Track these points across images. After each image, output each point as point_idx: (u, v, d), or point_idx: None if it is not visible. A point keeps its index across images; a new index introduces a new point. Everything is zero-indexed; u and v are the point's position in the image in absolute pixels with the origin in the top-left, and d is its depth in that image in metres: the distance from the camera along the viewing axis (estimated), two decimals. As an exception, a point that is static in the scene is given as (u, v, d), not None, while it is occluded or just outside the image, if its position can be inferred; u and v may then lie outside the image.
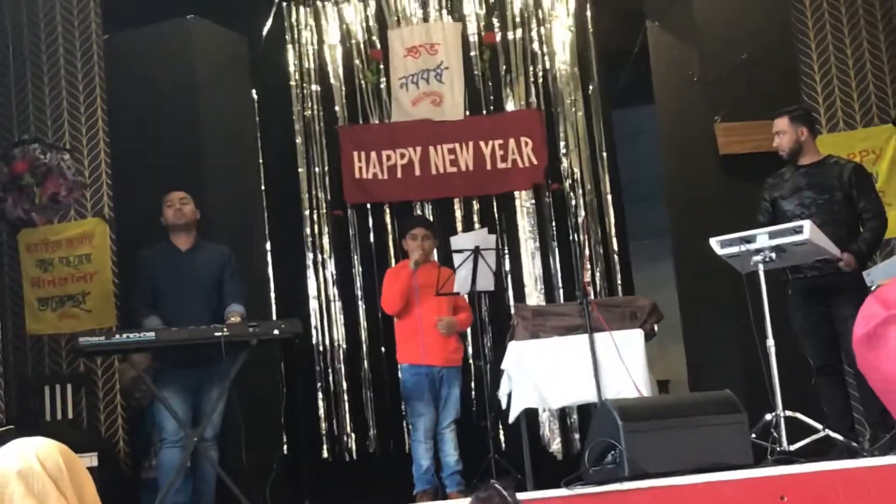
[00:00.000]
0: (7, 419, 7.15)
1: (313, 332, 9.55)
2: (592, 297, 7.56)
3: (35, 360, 8.07)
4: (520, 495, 4.57)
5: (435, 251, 8.03)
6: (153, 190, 7.74)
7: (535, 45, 9.98)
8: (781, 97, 7.97)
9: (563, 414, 9.40)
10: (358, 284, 9.70)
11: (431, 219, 9.36)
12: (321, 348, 9.61)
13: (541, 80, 9.95)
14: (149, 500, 7.37)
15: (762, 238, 6.28)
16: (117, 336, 6.57)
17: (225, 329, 6.57)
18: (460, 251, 7.45)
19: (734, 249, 6.35)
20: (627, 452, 5.18)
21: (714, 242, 6.45)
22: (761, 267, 6.25)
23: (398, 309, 7.70)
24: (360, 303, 9.68)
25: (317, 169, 9.83)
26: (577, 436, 9.41)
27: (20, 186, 8.04)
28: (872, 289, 6.31)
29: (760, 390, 6.30)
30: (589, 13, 9.94)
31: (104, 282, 8.06)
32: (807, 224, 6.19)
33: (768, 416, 6.09)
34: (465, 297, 7.72)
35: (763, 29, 8.76)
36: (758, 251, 6.26)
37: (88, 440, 7.18)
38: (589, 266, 9.36)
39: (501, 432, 8.94)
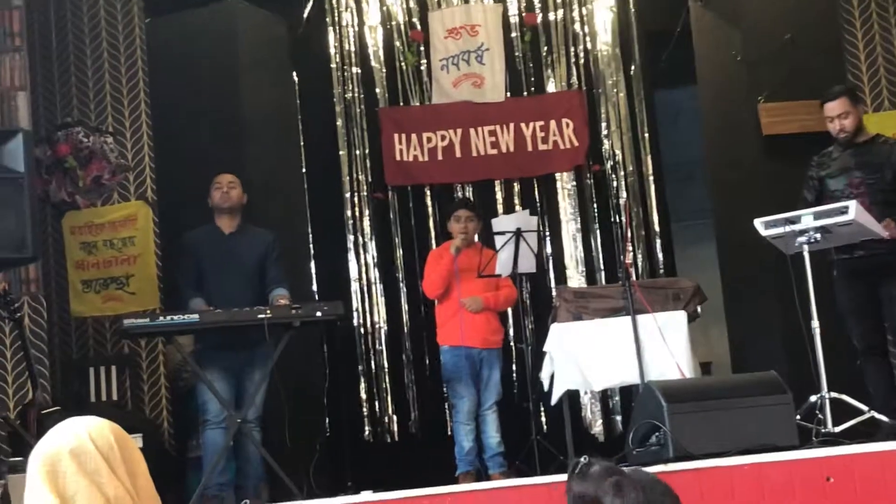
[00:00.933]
0: (52, 401, 7.20)
1: (354, 314, 9.57)
2: (635, 278, 7.53)
3: (79, 343, 8.14)
4: (562, 477, 4.57)
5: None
6: (196, 172, 7.77)
7: (577, 26, 9.93)
8: (826, 77, 7.89)
9: (604, 396, 9.38)
10: (399, 267, 9.71)
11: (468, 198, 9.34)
12: (362, 330, 9.63)
13: (582, 61, 9.91)
14: (194, 479, 7.42)
15: (807, 219, 6.23)
16: (161, 318, 6.62)
17: (268, 311, 6.59)
18: (501, 233, 7.42)
19: (779, 230, 6.30)
20: (672, 434, 5.16)
21: (758, 223, 6.40)
22: (806, 248, 6.20)
23: (439, 293, 7.68)
24: (401, 285, 9.69)
25: (357, 151, 9.83)
26: (618, 418, 9.40)
27: (64, 169, 8.10)
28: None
29: (804, 372, 6.26)
30: (631, -7, 9.89)
31: (148, 264, 8.11)
32: (852, 204, 6.13)
33: (813, 398, 6.05)
34: (508, 278, 7.68)
35: (807, 7, 8.67)
36: (802, 232, 6.21)
37: (133, 421, 7.22)
38: (631, 248, 9.33)
39: (543, 414, 8.93)
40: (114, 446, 2.07)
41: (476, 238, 7.84)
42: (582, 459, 3.69)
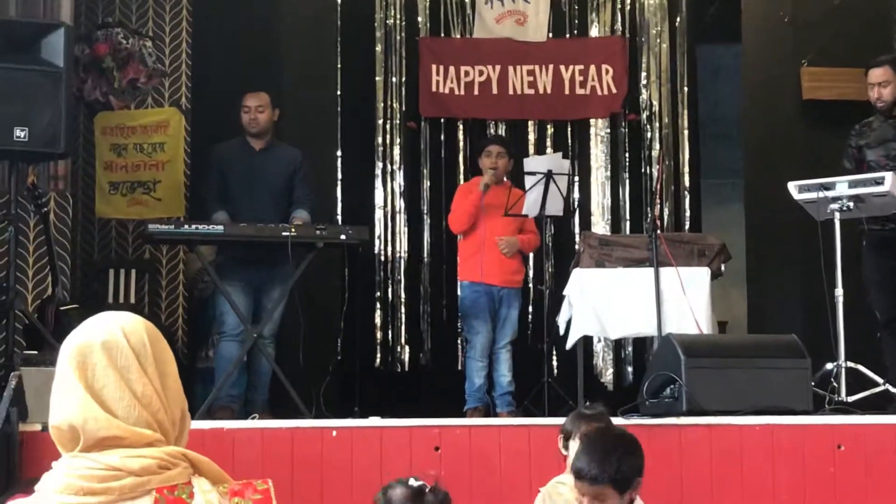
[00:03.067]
0: (71, 299, 7.23)
1: (376, 241, 9.57)
2: (661, 231, 7.49)
3: (101, 244, 8.15)
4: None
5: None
6: (231, 85, 7.73)
7: (626, -28, 9.83)
8: (872, 45, 7.80)
9: (618, 345, 9.39)
10: (425, 198, 9.70)
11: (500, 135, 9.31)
12: (382, 258, 9.63)
13: (628, 8, 9.81)
14: (203, 390, 7.46)
15: (841, 186, 6.19)
16: (186, 226, 6.62)
17: (293, 230, 6.59)
18: (532, 173, 7.39)
19: (812, 195, 6.26)
20: (687, 388, 5.16)
21: (792, 186, 6.36)
22: (837, 215, 6.17)
23: (464, 228, 7.64)
24: (425, 217, 9.67)
25: (394, 79, 9.77)
26: (630, 368, 9.42)
27: (100, 69, 8.06)
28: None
29: (820, 339, 6.25)
30: (682, -56, 9.77)
31: (176, 172, 8.10)
32: (888, 176, 6.09)
33: (829, 366, 6.03)
34: (533, 220, 7.66)
35: (859, -26, 8.57)
36: (835, 199, 6.17)
37: (149, 324, 7.24)
38: (659, 200, 9.29)
39: (556, 358, 8.94)
40: (146, 344, 2.07)
41: (505, 177, 7.80)
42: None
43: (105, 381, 2.01)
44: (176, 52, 8.18)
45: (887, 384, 6.04)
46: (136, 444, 2.01)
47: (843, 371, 5.95)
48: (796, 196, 6.33)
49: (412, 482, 3.22)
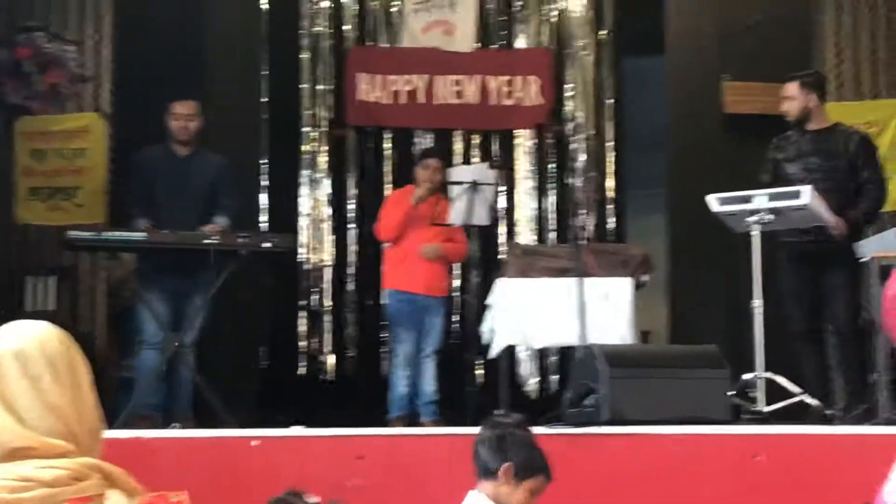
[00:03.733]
0: (-12, 306, 7.14)
1: (301, 249, 9.53)
2: (586, 241, 7.56)
3: (21, 250, 8.03)
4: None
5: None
6: (155, 91, 7.66)
7: (552, -17, 9.90)
8: (793, 61, 7.92)
9: (541, 355, 9.44)
10: (351, 206, 9.68)
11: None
12: (307, 266, 9.60)
13: (554, 20, 9.87)
14: (123, 399, 7.37)
15: (760, 199, 6.27)
16: (107, 233, 6.56)
17: (216, 237, 6.55)
18: (458, 183, 7.39)
19: (731, 208, 6.33)
20: (609, 397, 5.19)
21: (712, 199, 6.43)
22: (756, 228, 6.25)
23: (393, 237, 7.63)
24: (351, 225, 9.66)
25: (320, 87, 9.76)
26: (553, 377, 9.46)
27: (21, 73, 7.95)
28: (862, 260, 6.33)
29: (739, 350, 6.33)
30: (609, -43, 9.86)
31: (97, 178, 8.01)
32: (806, 189, 6.19)
33: (747, 376, 6.10)
34: (461, 230, 7.67)
35: (783, -10, 8.70)
36: (754, 212, 6.24)
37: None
38: (583, 211, 9.35)
39: (480, 367, 8.95)
40: (60, 354, 2.04)
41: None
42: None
43: (17, 391, 1.99)
44: (99, 56, 8.10)
45: (804, 395, 6.13)
46: (49, 455, 1.99)
47: (761, 381, 6.02)
48: (716, 208, 6.40)
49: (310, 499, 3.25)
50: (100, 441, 2.10)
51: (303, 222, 9.63)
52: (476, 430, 4.95)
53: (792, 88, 6.83)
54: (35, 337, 2.04)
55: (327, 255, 9.65)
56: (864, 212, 6.70)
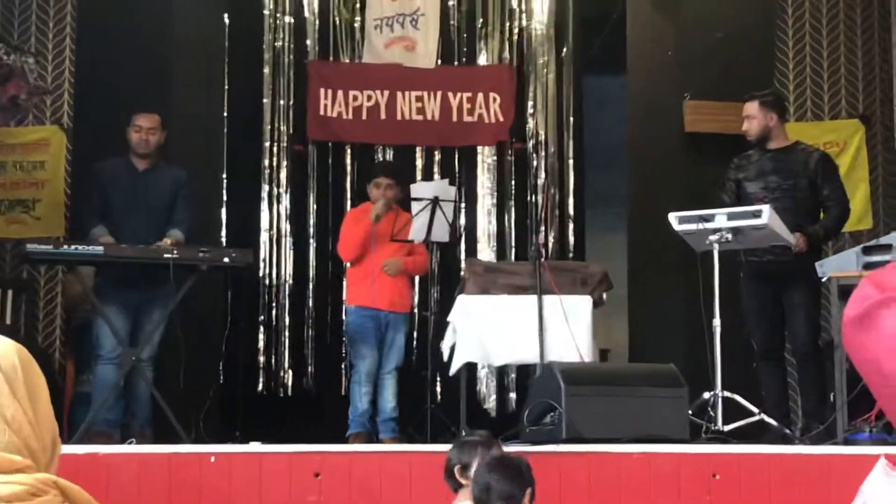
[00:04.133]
0: (-55, 318, 7.07)
1: (261, 264, 9.49)
2: (545, 259, 7.56)
3: (-23, 263, 7.97)
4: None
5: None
6: (115, 104, 7.63)
7: (514, 2, 9.91)
8: (753, 80, 7.97)
9: (501, 372, 9.42)
10: (311, 222, 9.65)
11: (391, 164, 9.31)
12: (267, 282, 9.55)
13: (515, 38, 9.90)
14: (80, 414, 7.32)
15: (720, 218, 6.31)
16: (66, 247, 6.52)
17: (175, 251, 6.52)
18: (419, 199, 7.41)
19: (691, 227, 6.37)
20: (567, 415, 5.20)
21: (672, 217, 6.47)
22: (716, 247, 6.29)
23: (354, 257, 7.65)
24: (311, 240, 9.63)
25: (282, 101, 9.73)
26: (512, 395, 9.46)
27: (-21, 85, 7.90)
28: (823, 280, 6.39)
29: (699, 369, 6.35)
30: (570, -25, 9.89)
31: (56, 191, 7.96)
32: (766, 209, 6.23)
33: (706, 395, 6.13)
34: (423, 244, 7.68)
35: (743, 11, 8.76)
36: (715, 231, 6.29)
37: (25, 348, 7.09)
38: (544, 228, 9.37)
39: (439, 384, 8.94)
40: (17, 368, 2.02)
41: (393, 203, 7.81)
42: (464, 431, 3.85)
43: (-27, 405, 1.96)
44: (59, 69, 8.06)
45: (762, 414, 6.16)
46: (6, 471, 1.96)
47: (720, 400, 6.04)
48: (676, 227, 6.43)
49: None
50: (57, 456, 2.07)
51: (263, 237, 9.58)
52: (434, 447, 4.95)
53: (752, 108, 6.89)
54: (-9, 351, 2.01)
55: (287, 270, 9.60)
56: (825, 227, 6.75)
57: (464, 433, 4.18)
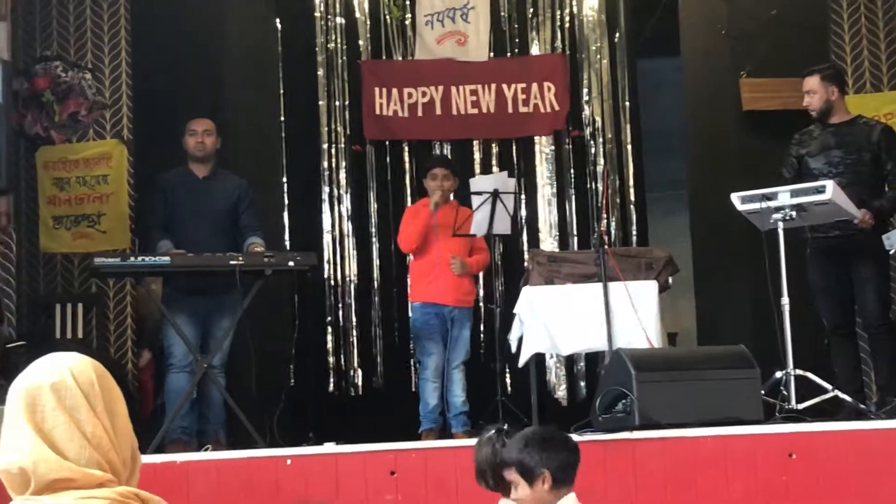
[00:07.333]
0: (18, 336, 7.17)
1: (326, 266, 9.53)
2: (608, 246, 7.54)
3: (47, 279, 8.08)
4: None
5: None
6: (173, 114, 7.72)
7: (564, -10, 9.88)
8: (809, 55, 7.89)
9: (570, 361, 9.40)
10: (372, 221, 9.68)
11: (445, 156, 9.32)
12: (332, 283, 9.59)
13: (567, 25, 9.86)
14: (156, 423, 7.40)
15: (783, 196, 6.26)
16: (133, 259, 6.61)
17: (240, 258, 6.58)
18: (479, 193, 7.41)
19: (754, 206, 6.32)
20: (639, 402, 5.18)
21: (735, 198, 6.42)
22: (781, 225, 6.24)
23: (414, 248, 7.68)
24: (373, 239, 9.66)
25: (337, 103, 9.75)
26: (582, 383, 9.44)
27: (40, 103, 8.00)
28: (891, 252, 6.31)
29: (769, 348, 6.31)
30: (619, -41, 9.84)
31: (120, 203, 8.05)
32: (829, 184, 6.17)
33: (778, 374, 6.09)
34: (483, 238, 7.68)
35: (796, -15, 8.67)
36: (778, 209, 6.24)
37: (98, 361, 7.18)
38: (606, 215, 9.34)
39: (509, 376, 8.95)
40: (94, 384, 2.06)
41: (451, 196, 7.83)
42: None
43: (55, 422, 2.00)
44: (116, 83, 8.14)
45: (836, 390, 6.11)
46: (88, 486, 2.00)
47: (793, 379, 6.00)
48: (739, 207, 6.39)
49: None
50: (137, 469, 2.11)
51: (326, 239, 9.63)
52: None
53: (813, 82, 6.80)
54: (70, 368, 2.06)
55: (351, 270, 9.64)
56: (890, 200, 6.66)
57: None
